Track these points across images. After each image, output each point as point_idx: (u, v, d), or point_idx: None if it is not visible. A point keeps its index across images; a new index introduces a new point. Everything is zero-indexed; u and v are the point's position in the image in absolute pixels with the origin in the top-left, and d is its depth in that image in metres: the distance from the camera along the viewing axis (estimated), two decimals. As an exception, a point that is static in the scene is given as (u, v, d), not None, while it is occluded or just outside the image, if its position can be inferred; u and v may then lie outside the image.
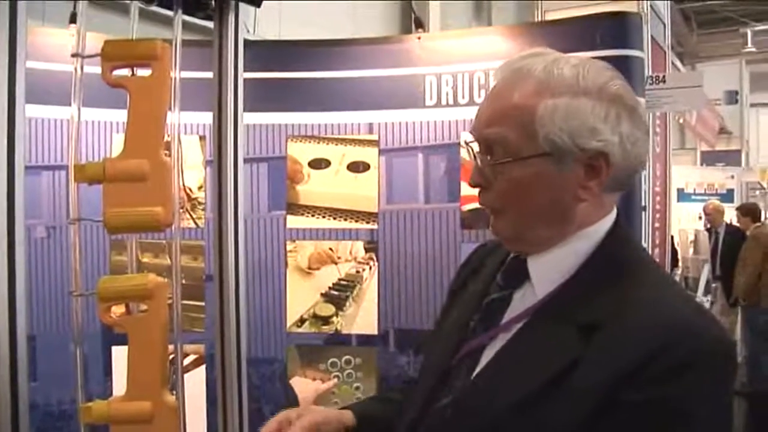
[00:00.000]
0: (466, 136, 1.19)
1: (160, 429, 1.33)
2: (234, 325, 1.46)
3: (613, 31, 2.78)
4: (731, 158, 12.53)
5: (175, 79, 1.36)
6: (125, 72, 1.35)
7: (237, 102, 1.46)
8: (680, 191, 9.63)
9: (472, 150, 1.15)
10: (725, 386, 1.04)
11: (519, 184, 1.09)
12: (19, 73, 1.11)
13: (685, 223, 8.73)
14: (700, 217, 8.55)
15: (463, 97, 2.95)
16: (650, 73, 3.26)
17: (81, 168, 1.29)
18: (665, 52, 3.77)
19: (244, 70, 2.75)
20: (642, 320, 1.01)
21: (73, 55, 1.30)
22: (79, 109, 1.29)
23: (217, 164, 1.48)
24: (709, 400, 0.99)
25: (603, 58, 2.67)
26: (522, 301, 1.15)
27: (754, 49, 16.33)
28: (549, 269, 1.12)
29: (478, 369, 1.13)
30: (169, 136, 1.45)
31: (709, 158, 11.82)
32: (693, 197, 9.51)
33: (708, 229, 8.18)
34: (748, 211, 7.64)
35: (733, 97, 15.66)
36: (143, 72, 1.36)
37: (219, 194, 1.44)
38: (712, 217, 8.13)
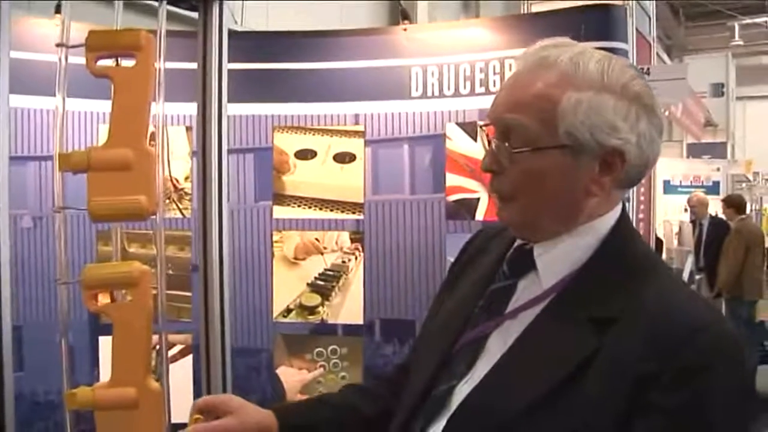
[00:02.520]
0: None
1: (145, 414, 1.35)
2: (218, 314, 1.47)
3: (597, 23, 2.80)
4: (717, 151, 12.54)
5: (159, 69, 1.36)
6: (110, 62, 1.35)
7: (221, 92, 1.47)
8: (666, 183, 9.68)
9: (487, 134, 1.15)
10: (742, 376, 1.06)
11: (533, 174, 1.09)
12: (3, 64, 1.12)
13: (671, 215, 8.76)
14: (686, 209, 8.58)
15: (449, 89, 2.96)
16: (635, 65, 3.28)
17: (66, 157, 1.30)
18: (650, 45, 3.78)
19: (231, 61, 2.76)
20: (656, 318, 1.01)
21: (57, 45, 1.31)
22: (63, 99, 1.30)
23: (202, 154, 1.49)
24: (730, 393, 1.00)
25: (587, 51, 2.74)
26: (527, 290, 1.14)
27: (741, 43, 16.41)
28: (556, 260, 1.12)
29: (482, 356, 1.12)
30: (154, 126, 1.45)
31: (696, 150, 11.83)
32: (679, 189, 9.53)
33: (693, 221, 8.22)
34: (733, 203, 7.66)
35: (719, 90, 15.73)
36: (128, 62, 1.37)
37: (203, 184, 1.45)
38: (697, 209, 8.15)
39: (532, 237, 1.16)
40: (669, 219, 7.98)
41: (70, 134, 2.80)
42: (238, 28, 5.73)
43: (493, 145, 1.13)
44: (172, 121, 2.90)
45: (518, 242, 1.20)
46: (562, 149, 1.08)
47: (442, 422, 1.10)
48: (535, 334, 1.09)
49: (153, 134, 2.96)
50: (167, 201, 3.00)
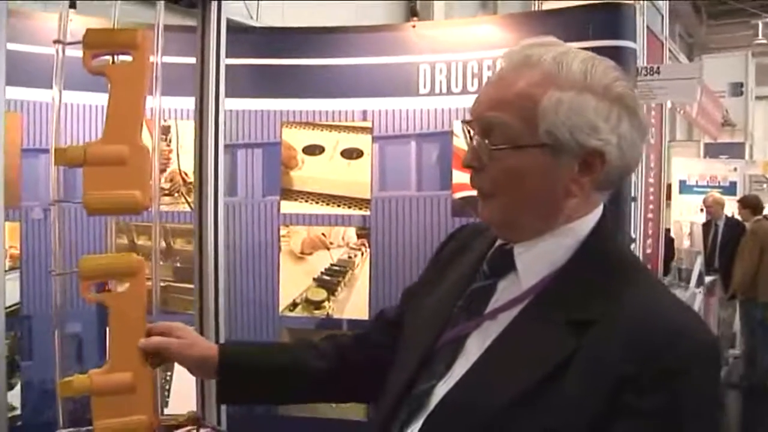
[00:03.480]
0: (465, 117, 1.17)
1: (139, 398, 1.37)
2: (212, 308, 1.49)
3: (605, 21, 2.80)
4: (735, 151, 12.38)
5: (156, 64, 1.38)
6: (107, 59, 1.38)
7: (219, 88, 1.49)
8: (682, 183, 9.58)
9: (469, 130, 1.14)
10: (717, 384, 1.07)
11: (513, 172, 1.09)
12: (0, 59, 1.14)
13: (687, 215, 8.68)
14: (702, 210, 8.50)
15: (457, 86, 2.98)
16: (644, 64, 3.27)
17: (62, 151, 1.32)
18: (662, 44, 3.77)
19: (240, 57, 2.79)
20: (636, 321, 1.02)
21: (55, 42, 1.33)
22: (60, 94, 1.33)
23: (198, 149, 1.51)
24: (705, 399, 1.01)
25: (594, 49, 2.69)
26: (506, 290, 1.15)
27: (765, 41, 16.21)
28: (535, 261, 1.13)
29: (461, 356, 1.13)
30: (161, 119, 1.48)
31: (713, 150, 11.71)
32: (695, 189, 9.45)
33: (708, 222, 8.15)
34: (749, 204, 7.58)
35: (737, 89, 15.55)
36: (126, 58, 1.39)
37: (199, 178, 1.47)
38: (713, 209, 8.06)
39: (512, 236, 1.16)
40: (678, 219, 7.90)
41: (80, 126, 2.84)
42: (255, 24, 5.77)
43: (475, 142, 1.13)
44: (182, 115, 2.93)
45: (499, 242, 1.21)
46: (541, 148, 1.08)
47: (420, 421, 1.11)
48: (513, 334, 1.10)
49: (167, 128, 3.03)
50: (176, 194, 3.04)
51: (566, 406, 1.00)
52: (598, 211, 1.15)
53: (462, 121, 1.19)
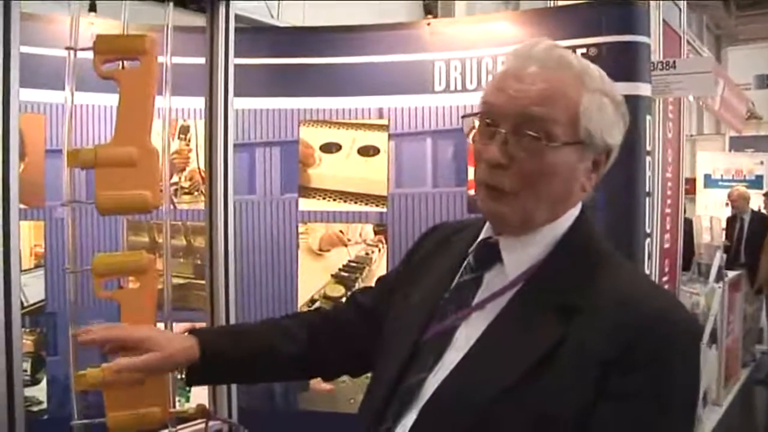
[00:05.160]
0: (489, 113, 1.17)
1: (153, 392, 1.42)
2: (223, 306, 1.53)
3: (619, 17, 2.80)
4: (761, 144, 12.18)
5: (165, 65, 1.43)
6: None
7: (228, 89, 1.53)
8: (707, 177, 9.49)
9: (489, 125, 1.13)
10: (697, 362, 1.10)
11: (548, 168, 1.10)
12: (13, 62, 1.18)
13: (712, 210, 8.60)
14: (727, 204, 8.42)
15: (471, 83, 2.99)
16: (660, 59, 3.26)
17: (74, 153, 1.37)
18: (680, 37, 3.74)
19: (258, 57, 2.82)
20: (617, 307, 1.06)
21: (66, 48, 1.38)
22: (72, 97, 1.37)
23: (209, 149, 1.55)
24: (685, 377, 1.06)
25: (608, 44, 2.75)
26: (493, 282, 1.18)
27: (795, 32, 15.93)
28: (521, 252, 1.16)
29: (450, 348, 1.15)
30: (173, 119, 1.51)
31: (738, 144, 11.54)
32: (720, 183, 9.37)
33: (734, 216, 8.07)
34: (775, 198, 7.55)
35: (763, 82, 15.28)
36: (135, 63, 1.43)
37: (209, 178, 1.51)
38: (738, 203, 8.00)
39: (513, 231, 1.18)
40: (700, 214, 7.84)
41: (100, 127, 2.90)
42: (277, 23, 5.83)
43: (504, 138, 1.11)
44: (200, 114, 2.98)
45: (483, 235, 1.23)
46: (575, 146, 1.12)
47: (413, 413, 1.14)
48: (502, 323, 1.13)
49: (186, 128, 3.09)
50: (196, 193, 3.09)
51: (556, 392, 1.04)
52: (579, 205, 1.20)
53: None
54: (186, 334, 1.39)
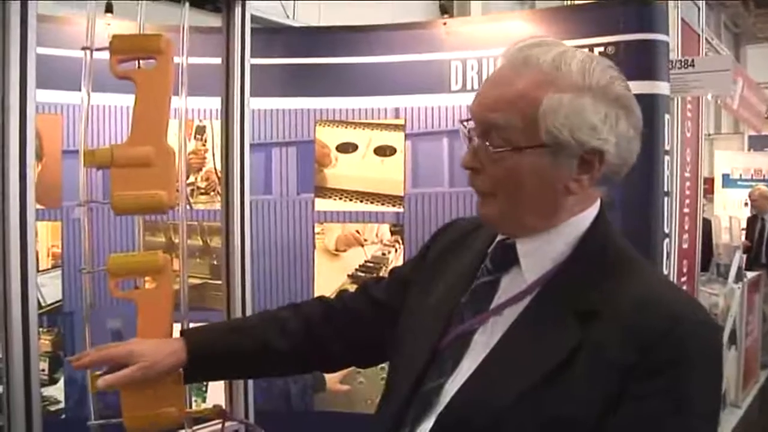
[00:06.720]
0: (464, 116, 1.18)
1: (169, 392, 1.42)
2: (240, 306, 1.53)
3: (637, 15, 2.77)
4: (781, 143, 12.13)
5: (181, 66, 1.43)
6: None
7: (244, 89, 1.53)
8: (725, 177, 9.39)
9: (468, 131, 1.15)
10: (718, 365, 1.09)
11: (513, 173, 1.10)
12: (30, 64, 1.19)
13: (731, 210, 8.53)
14: (746, 204, 8.34)
15: (488, 82, 2.97)
16: (678, 57, 3.23)
17: (90, 154, 1.38)
18: (699, 36, 3.71)
19: (274, 57, 2.82)
20: (636, 311, 1.05)
21: (82, 49, 1.38)
22: (89, 97, 1.37)
23: (225, 150, 1.55)
24: (705, 381, 1.04)
25: (626, 42, 2.72)
26: (510, 285, 1.17)
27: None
28: (538, 255, 1.15)
29: (468, 353, 1.15)
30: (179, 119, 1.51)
31: (758, 143, 11.44)
32: (739, 183, 9.27)
33: (754, 216, 7.99)
34: (796, 198, 7.47)
35: (783, 80, 15.20)
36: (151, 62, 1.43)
37: (225, 178, 1.51)
38: (758, 203, 7.91)
39: (514, 232, 1.18)
40: (719, 214, 7.77)
41: (118, 127, 2.91)
42: (293, 23, 5.83)
43: (474, 143, 1.15)
44: (217, 115, 2.98)
45: (500, 237, 1.22)
46: (542, 149, 1.09)
47: (431, 419, 1.13)
48: (520, 329, 1.12)
49: (202, 128, 3.09)
50: (212, 193, 3.09)
51: (574, 397, 1.03)
52: (597, 205, 1.18)
53: (460, 121, 1.19)
54: (177, 336, 1.43)
